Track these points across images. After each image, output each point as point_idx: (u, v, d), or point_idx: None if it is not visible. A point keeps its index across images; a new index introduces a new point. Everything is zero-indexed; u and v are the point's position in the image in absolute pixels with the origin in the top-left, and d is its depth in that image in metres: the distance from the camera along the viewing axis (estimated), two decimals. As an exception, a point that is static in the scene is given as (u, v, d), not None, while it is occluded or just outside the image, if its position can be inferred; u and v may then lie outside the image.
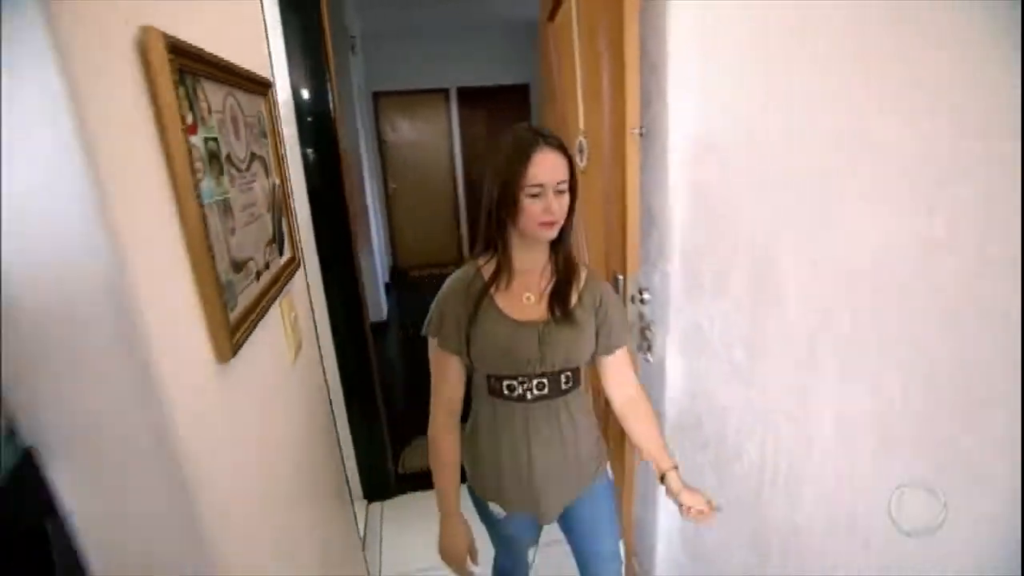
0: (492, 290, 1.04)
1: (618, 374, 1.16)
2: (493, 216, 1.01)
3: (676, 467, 1.11)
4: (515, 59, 5.33)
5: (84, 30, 0.49)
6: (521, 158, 0.95)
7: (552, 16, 1.76)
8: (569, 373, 1.08)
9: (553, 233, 1.00)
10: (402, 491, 2.32)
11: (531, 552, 1.34)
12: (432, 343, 1.09)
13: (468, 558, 1.15)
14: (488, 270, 1.06)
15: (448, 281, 1.08)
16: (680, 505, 1.08)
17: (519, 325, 1.03)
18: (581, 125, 1.55)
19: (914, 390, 0.70)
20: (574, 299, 1.07)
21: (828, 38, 0.77)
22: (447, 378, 1.09)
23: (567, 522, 1.23)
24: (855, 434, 0.81)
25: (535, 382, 1.05)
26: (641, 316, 1.39)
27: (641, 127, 1.25)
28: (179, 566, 0.58)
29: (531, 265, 1.07)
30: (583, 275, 1.10)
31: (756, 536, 1.11)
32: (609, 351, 1.12)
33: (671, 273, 1.34)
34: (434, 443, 1.11)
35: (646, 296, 1.36)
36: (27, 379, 0.46)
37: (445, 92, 5.64)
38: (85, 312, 0.49)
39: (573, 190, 1.01)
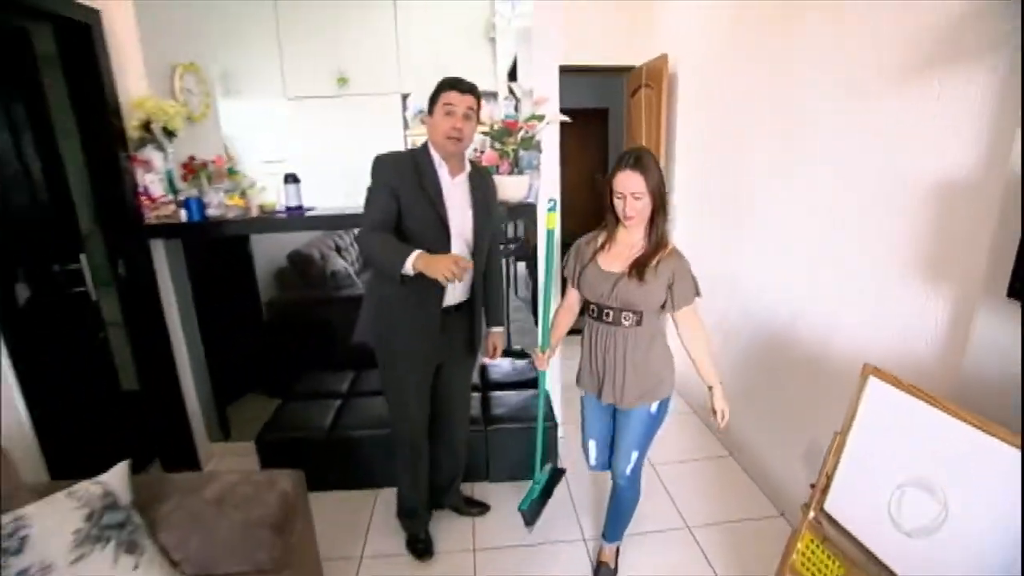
0: (599, 250, 1.64)
1: (684, 323, 1.64)
2: (607, 207, 1.60)
3: (721, 383, 1.67)
4: (598, 91, 7.36)
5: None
6: (612, 174, 1.53)
7: (633, 95, 3.92)
8: (629, 313, 1.58)
9: (631, 224, 1.55)
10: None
11: (592, 445, 1.86)
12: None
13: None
14: (602, 238, 1.65)
15: (577, 241, 1.72)
16: (715, 411, 1.67)
17: (605, 274, 1.60)
18: (643, 141, 3.70)
19: (855, 261, 2.80)
20: (650, 267, 1.55)
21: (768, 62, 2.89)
22: (568, 293, 1.79)
23: (619, 417, 1.76)
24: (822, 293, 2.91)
25: (605, 311, 1.61)
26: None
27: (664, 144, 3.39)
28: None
29: (628, 239, 1.61)
30: (666, 252, 1.57)
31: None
32: (677, 308, 1.58)
33: (676, 203, 3.45)
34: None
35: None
36: None
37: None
38: None
39: (656, 197, 1.51)
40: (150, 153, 2.29)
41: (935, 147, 1.46)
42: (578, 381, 1.81)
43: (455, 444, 2.13)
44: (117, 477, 1.40)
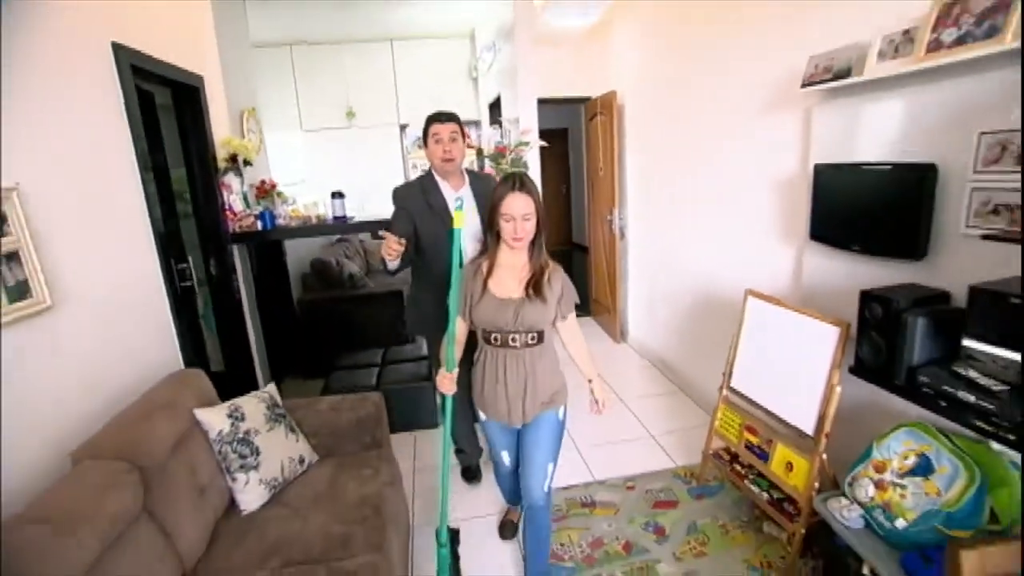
0: (487, 277, 1.65)
1: (568, 328, 1.79)
2: (490, 230, 1.63)
3: (598, 376, 1.86)
4: (559, 113, 8.35)
5: (530, 147, 3.53)
6: (499, 198, 1.56)
7: (591, 120, 4.82)
8: (534, 334, 1.64)
9: (519, 245, 1.58)
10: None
11: (504, 454, 1.91)
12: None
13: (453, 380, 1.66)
14: (486, 265, 1.66)
15: (460, 272, 1.65)
16: (596, 401, 1.84)
17: (503, 301, 1.62)
18: (600, 164, 4.59)
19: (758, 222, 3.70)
20: (545, 284, 1.63)
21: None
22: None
23: (520, 435, 1.80)
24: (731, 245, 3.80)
25: (511, 337, 1.64)
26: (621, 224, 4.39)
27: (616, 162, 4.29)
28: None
29: (512, 261, 1.65)
30: (550, 267, 1.66)
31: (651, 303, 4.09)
32: (565, 316, 1.72)
33: (629, 206, 4.34)
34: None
35: (623, 215, 4.36)
36: None
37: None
38: None
39: (540, 217, 1.57)
40: (230, 179, 3.01)
41: (781, 156, 2.36)
42: (478, 405, 1.83)
43: None
44: (271, 390, 2.13)
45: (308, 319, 4.16)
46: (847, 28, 1.90)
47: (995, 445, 1.47)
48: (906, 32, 1.60)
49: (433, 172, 2.17)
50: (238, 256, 3.11)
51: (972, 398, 1.36)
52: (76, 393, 1.68)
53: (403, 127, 4.98)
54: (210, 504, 1.75)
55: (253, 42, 3.39)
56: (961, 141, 1.53)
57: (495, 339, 1.67)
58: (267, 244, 3.59)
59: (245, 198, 3.07)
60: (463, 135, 2.14)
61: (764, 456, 2.17)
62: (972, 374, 1.40)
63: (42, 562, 1.13)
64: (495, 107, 4.48)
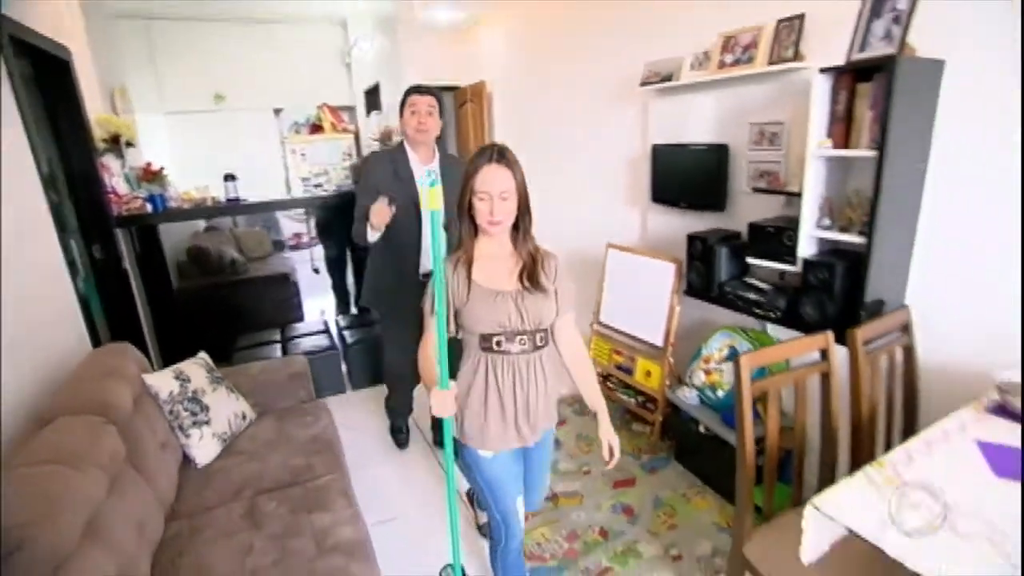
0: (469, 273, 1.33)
1: (566, 332, 1.44)
2: (462, 214, 1.31)
3: (604, 410, 1.43)
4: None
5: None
6: (472, 172, 1.27)
7: (461, 107, 5.23)
8: (542, 332, 1.35)
9: (496, 230, 1.29)
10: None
11: (519, 500, 1.46)
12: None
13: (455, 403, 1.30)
14: (462, 259, 1.34)
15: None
16: (603, 444, 1.41)
17: (499, 295, 1.31)
18: (472, 146, 5.03)
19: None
20: (541, 272, 1.34)
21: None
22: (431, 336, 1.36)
23: (526, 457, 1.48)
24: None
25: (518, 338, 1.31)
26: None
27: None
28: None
29: (490, 251, 1.34)
30: (540, 252, 1.39)
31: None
32: (562, 312, 1.39)
33: None
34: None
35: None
36: None
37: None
38: None
39: (523, 195, 1.28)
40: (110, 160, 2.90)
41: (628, 138, 3.02)
42: (473, 443, 1.38)
43: None
44: (205, 357, 2.26)
45: (193, 307, 4.05)
46: (673, 43, 2.56)
47: (770, 329, 2.24)
48: (705, 53, 2.29)
49: (404, 143, 2.19)
50: (123, 241, 3.01)
51: (753, 296, 2.08)
52: None
53: (277, 111, 4.91)
54: (172, 458, 1.89)
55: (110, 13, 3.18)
56: (741, 129, 2.25)
57: (497, 343, 1.31)
58: (144, 231, 3.45)
59: (129, 180, 2.98)
60: (440, 111, 2.17)
61: (629, 371, 2.84)
62: (754, 281, 2.13)
63: (65, 496, 1.27)
64: (372, 93, 4.68)
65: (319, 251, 4.81)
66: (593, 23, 3.15)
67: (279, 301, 4.16)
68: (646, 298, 2.72)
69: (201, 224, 4.83)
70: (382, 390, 3.14)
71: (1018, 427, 1.34)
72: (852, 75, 1.66)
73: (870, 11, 1.63)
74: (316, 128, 4.76)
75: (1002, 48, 1.48)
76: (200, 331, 3.90)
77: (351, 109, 5.04)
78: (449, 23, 4.35)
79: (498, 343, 1.31)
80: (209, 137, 4.59)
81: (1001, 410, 1.42)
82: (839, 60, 1.68)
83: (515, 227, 1.34)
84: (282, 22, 4.62)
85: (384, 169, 2.17)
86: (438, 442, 2.66)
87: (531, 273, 1.34)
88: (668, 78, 2.49)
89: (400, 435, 2.79)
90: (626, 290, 2.85)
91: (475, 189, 1.27)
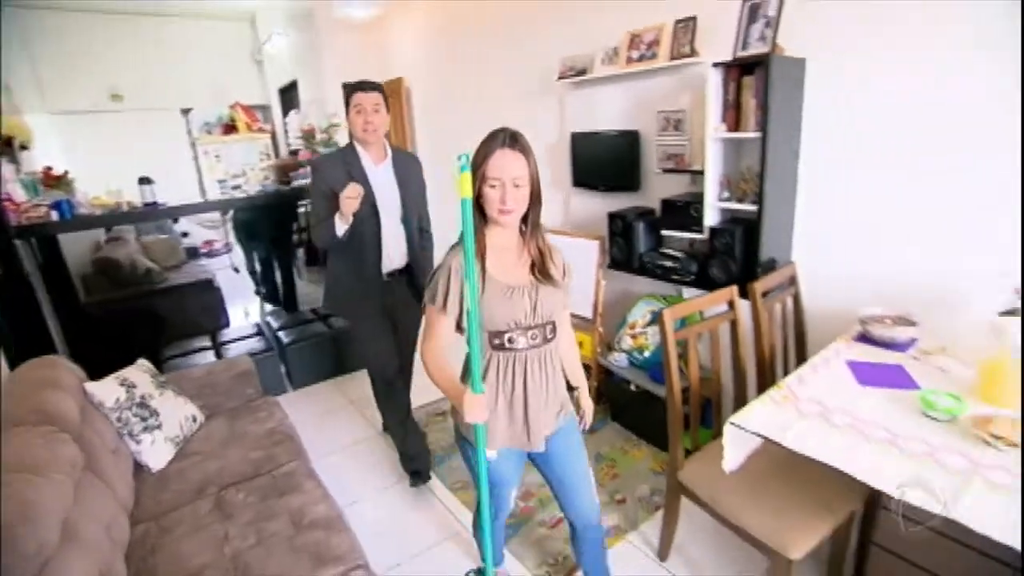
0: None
1: (563, 322, 1.46)
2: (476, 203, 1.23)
3: (585, 385, 1.59)
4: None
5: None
6: (482, 158, 1.21)
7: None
8: (552, 325, 1.34)
9: (508, 219, 1.23)
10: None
11: (513, 492, 1.52)
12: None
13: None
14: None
15: (446, 259, 1.29)
16: (581, 410, 1.56)
17: (514, 289, 1.27)
18: (393, 137, 5.06)
19: None
20: (551, 265, 1.33)
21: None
22: (443, 332, 1.34)
23: (546, 452, 1.40)
24: None
25: (531, 333, 1.29)
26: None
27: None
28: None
29: (498, 242, 1.28)
30: (546, 243, 1.35)
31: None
32: (566, 305, 1.42)
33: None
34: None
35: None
36: None
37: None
38: None
39: (535, 184, 1.23)
40: (2, 165, 2.69)
41: (550, 126, 3.23)
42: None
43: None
44: (146, 363, 2.21)
45: (109, 320, 3.80)
46: (585, 38, 2.78)
47: (685, 293, 2.54)
48: (615, 49, 2.54)
49: (354, 143, 2.09)
50: (24, 253, 2.80)
51: (669, 264, 2.37)
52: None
53: (186, 111, 4.64)
54: (125, 465, 1.86)
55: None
56: (650, 116, 2.53)
57: (509, 339, 1.29)
58: (44, 242, 3.20)
59: (27, 187, 2.77)
60: (387, 106, 2.08)
61: (564, 343, 3.07)
62: (669, 251, 2.42)
63: (39, 501, 1.27)
64: (288, 91, 4.57)
65: (238, 254, 4.64)
66: (511, 22, 3.33)
67: (204, 308, 4.01)
68: (574, 275, 2.95)
69: (102, 235, 4.49)
70: (325, 386, 3.17)
71: (875, 348, 1.70)
72: (739, 69, 1.96)
73: (747, 16, 1.93)
74: (230, 128, 4.58)
75: (852, 50, 1.83)
76: (121, 344, 3.69)
77: (266, 108, 4.88)
78: (365, 18, 4.35)
79: (509, 339, 1.28)
80: (109, 139, 4.26)
81: (863, 338, 1.78)
82: (728, 56, 1.97)
83: (523, 219, 1.29)
84: (180, 16, 4.36)
85: (337, 171, 2.04)
86: (387, 428, 2.70)
87: (542, 267, 1.31)
88: (582, 72, 2.72)
89: (421, 463, 2.39)
90: (557, 269, 3.07)
91: (486, 176, 1.21)
